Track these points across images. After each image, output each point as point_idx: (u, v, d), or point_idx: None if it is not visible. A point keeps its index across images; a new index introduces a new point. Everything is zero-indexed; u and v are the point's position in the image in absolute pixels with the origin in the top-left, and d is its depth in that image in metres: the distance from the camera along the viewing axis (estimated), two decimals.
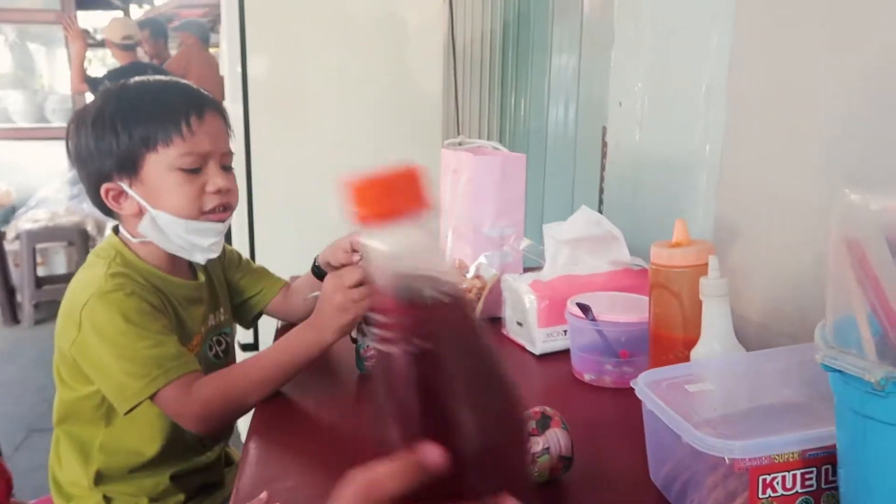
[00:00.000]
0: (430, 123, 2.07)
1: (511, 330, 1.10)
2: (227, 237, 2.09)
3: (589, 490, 0.69)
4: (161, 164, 0.95)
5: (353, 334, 0.97)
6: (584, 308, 0.92)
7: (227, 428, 1.10)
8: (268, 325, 1.30)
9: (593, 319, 0.91)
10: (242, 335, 2.05)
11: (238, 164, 1.99)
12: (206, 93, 1.01)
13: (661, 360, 0.82)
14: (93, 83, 3.69)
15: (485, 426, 0.38)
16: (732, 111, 0.97)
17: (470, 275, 1.15)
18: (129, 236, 1.00)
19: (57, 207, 3.85)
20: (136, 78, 1.01)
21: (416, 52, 2.08)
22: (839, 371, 0.46)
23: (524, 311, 1.05)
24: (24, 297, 3.69)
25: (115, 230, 1.03)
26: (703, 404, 0.64)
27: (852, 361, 0.45)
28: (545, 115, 2.00)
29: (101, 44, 4.40)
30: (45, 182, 3.99)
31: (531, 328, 1.04)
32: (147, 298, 0.94)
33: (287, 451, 0.80)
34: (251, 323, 1.24)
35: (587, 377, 0.94)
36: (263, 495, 0.67)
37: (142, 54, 4.06)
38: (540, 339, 1.03)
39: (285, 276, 1.34)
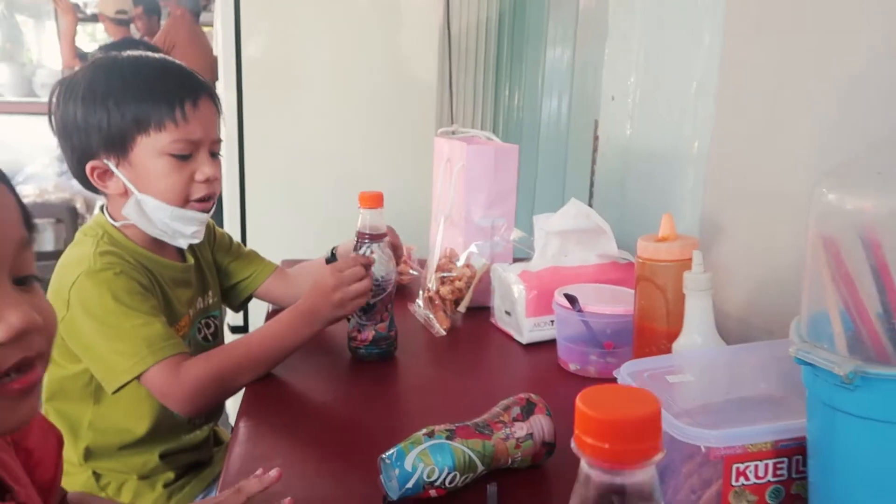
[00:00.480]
0: (424, 111, 2.07)
1: (499, 319, 1.12)
2: (219, 220, 2.10)
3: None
4: (152, 147, 0.94)
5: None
6: (571, 299, 0.94)
7: (216, 408, 1.11)
8: (258, 308, 1.32)
9: (580, 310, 0.93)
10: (232, 318, 2.05)
11: (231, 147, 2.00)
12: (200, 77, 1.01)
13: (644, 351, 0.84)
14: (85, 58, 3.66)
15: None
16: (721, 108, 0.99)
17: (460, 263, 1.16)
18: (111, 218, 1.00)
19: (45, 184, 3.82)
20: (130, 52, 1.00)
21: (411, 40, 2.08)
22: (811, 364, 0.48)
23: (513, 301, 1.06)
24: None
25: (103, 208, 1.03)
26: (682, 395, 0.66)
27: (823, 355, 0.47)
28: (539, 107, 2.01)
29: (91, 18, 4.35)
30: (34, 158, 3.96)
31: (519, 317, 1.06)
32: (136, 278, 0.94)
33: (276, 431, 0.81)
34: (240, 307, 1.24)
35: (572, 367, 0.97)
36: (259, 471, 0.69)
37: (134, 31, 4.03)
38: (527, 329, 1.05)
39: (277, 260, 1.35)
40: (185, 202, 0.98)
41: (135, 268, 0.96)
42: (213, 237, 1.18)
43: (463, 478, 0.65)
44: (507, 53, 2.30)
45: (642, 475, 0.32)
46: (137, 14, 3.96)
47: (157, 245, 1.02)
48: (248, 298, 1.23)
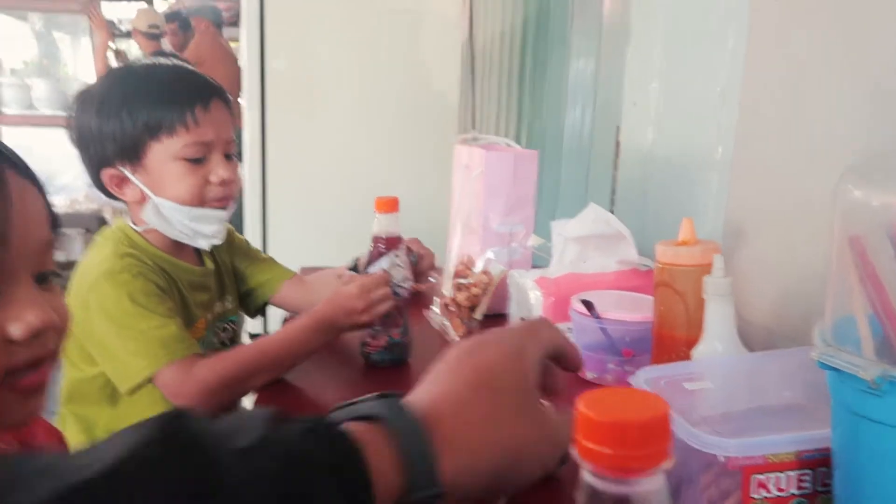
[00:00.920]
0: (445, 120, 2.07)
1: None
2: (240, 227, 2.12)
3: None
4: (165, 153, 0.95)
5: None
6: (589, 305, 0.92)
7: (228, 411, 1.11)
8: (277, 315, 1.31)
9: (597, 317, 0.91)
10: (252, 325, 2.06)
11: (253, 156, 2.02)
12: (212, 81, 1.02)
13: (663, 359, 0.82)
14: None
15: None
16: (745, 113, 0.97)
17: (477, 270, 1.15)
18: (132, 224, 1.01)
19: (76, 194, 3.90)
20: (143, 61, 1.01)
21: (434, 49, 2.09)
22: (835, 369, 0.46)
23: (529, 308, 1.04)
24: None
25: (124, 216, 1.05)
26: (701, 403, 0.64)
27: (848, 359, 0.44)
28: (562, 116, 1.99)
29: (126, 34, 4.45)
30: (65, 169, 4.04)
31: None
32: (154, 280, 0.95)
33: None
34: (256, 312, 1.24)
35: (590, 375, 0.94)
36: None
37: (166, 45, 4.10)
38: None
39: (296, 267, 1.35)
40: (201, 203, 0.98)
41: (153, 270, 0.97)
42: (232, 242, 1.18)
43: None
44: (531, 64, 2.28)
45: (649, 484, 0.29)
46: (171, 29, 4.04)
47: (177, 249, 1.03)
48: (265, 305, 1.22)
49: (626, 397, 0.30)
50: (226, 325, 1.14)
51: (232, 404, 1.03)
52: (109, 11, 4.59)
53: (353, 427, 0.39)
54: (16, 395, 0.53)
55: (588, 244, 1.08)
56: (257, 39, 1.94)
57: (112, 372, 0.93)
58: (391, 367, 0.98)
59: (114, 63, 3.89)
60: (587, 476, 0.29)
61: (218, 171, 0.98)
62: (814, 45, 0.83)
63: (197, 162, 0.97)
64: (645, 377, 0.66)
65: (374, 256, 0.98)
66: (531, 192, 1.22)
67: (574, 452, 0.29)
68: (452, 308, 1.11)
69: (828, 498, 0.55)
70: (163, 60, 1.03)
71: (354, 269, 1.16)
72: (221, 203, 1.00)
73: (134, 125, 0.95)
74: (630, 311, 0.92)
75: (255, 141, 1.98)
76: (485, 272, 1.14)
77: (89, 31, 4.29)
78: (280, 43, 1.98)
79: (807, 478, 0.55)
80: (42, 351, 0.53)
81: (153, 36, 3.90)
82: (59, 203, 3.85)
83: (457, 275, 1.15)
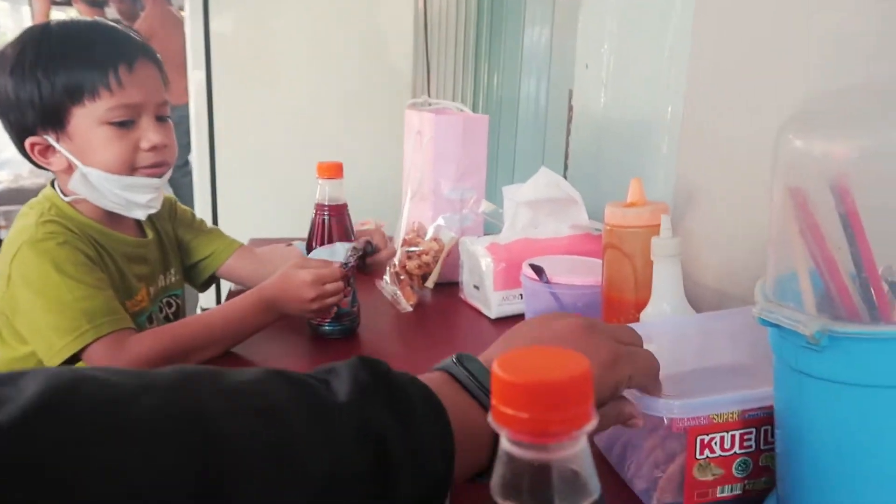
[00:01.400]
0: (399, 88, 2.03)
1: (468, 293, 1.08)
2: (189, 198, 2.05)
3: None
4: (89, 118, 0.90)
5: None
6: (539, 270, 0.90)
7: None
8: (228, 288, 1.27)
9: (547, 282, 0.89)
10: (204, 299, 2.01)
11: (200, 125, 1.94)
12: (136, 37, 0.96)
13: (612, 322, 0.81)
14: None
15: None
16: (693, 72, 0.95)
17: (428, 237, 1.12)
18: (61, 193, 0.96)
19: (20, 169, 3.75)
20: (59, 19, 0.95)
21: (387, 16, 2.03)
22: (776, 325, 0.44)
23: (481, 275, 1.02)
24: None
25: (53, 183, 0.99)
26: None
27: (788, 315, 0.43)
28: (518, 81, 1.96)
29: (67, 2, 4.25)
30: (8, 143, 3.88)
31: (487, 291, 1.02)
32: (81, 248, 0.90)
33: None
34: (203, 286, 1.20)
35: None
36: None
37: (113, 14, 3.93)
38: (496, 303, 1.01)
39: (248, 237, 1.31)
40: (132, 171, 0.93)
41: (80, 238, 0.91)
42: (175, 212, 1.14)
43: None
44: (486, 31, 2.24)
45: (571, 449, 0.27)
46: None
47: (112, 219, 0.98)
48: (212, 277, 1.18)
49: (545, 356, 0.27)
50: (170, 300, 1.09)
51: None
52: None
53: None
54: None
55: (540, 209, 1.06)
56: (200, 2, 1.86)
57: (38, 348, 0.88)
58: (341, 339, 0.96)
59: None
60: (504, 443, 0.27)
61: (149, 135, 0.92)
62: (760, 2, 0.82)
63: (124, 126, 0.91)
64: None
65: (318, 224, 0.95)
66: (482, 157, 1.19)
67: (490, 419, 0.27)
68: (403, 276, 1.09)
69: (770, 455, 0.54)
70: (84, 18, 0.96)
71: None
72: (155, 171, 0.95)
73: (53, 89, 0.89)
74: (583, 275, 0.90)
75: (202, 108, 1.91)
76: (435, 239, 1.12)
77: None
78: (225, 6, 1.90)
79: (750, 436, 0.54)
80: None
81: (95, 3, 3.73)
82: (3, 178, 3.70)
83: (406, 243, 1.12)
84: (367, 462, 0.39)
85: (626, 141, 1.14)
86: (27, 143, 0.92)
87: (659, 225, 0.78)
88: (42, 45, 0.90)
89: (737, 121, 0.86)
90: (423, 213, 1.20)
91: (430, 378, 0.47)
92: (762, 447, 0.55)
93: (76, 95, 0.89)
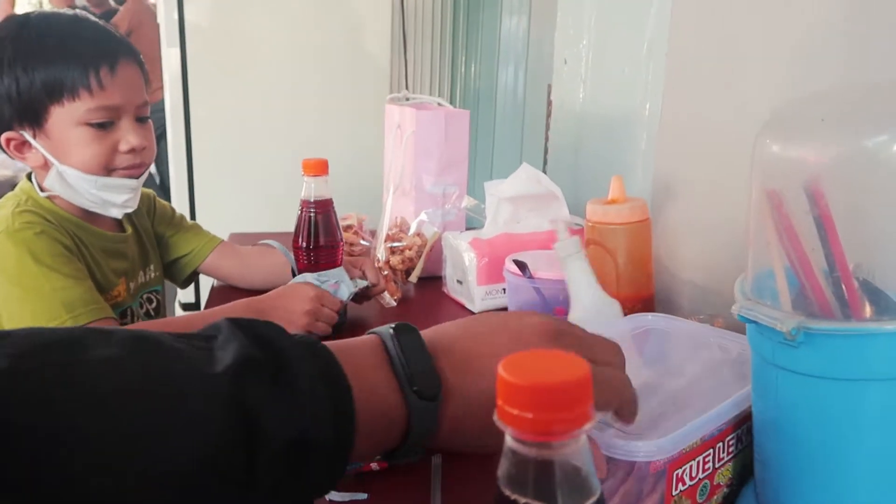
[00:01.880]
0: (377, 80, 2.03)
1: (451, 288, 1.10)
2: (166, 191, 2.03)
3: None
4: (67, 117, 0.89)
5: None
6: (522, 265, 0.92)
7: None
8: (208, 284, 1.27)
9: (530, 277, 0.91)
10: (184, 295, 2.00)
11: (176, 118, 1.92)
12: (119, 36, 0.95)
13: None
14: None
15: None
16: (672, 68, 0.97)
17: (411, 232, 1.13)
18: (38, 188, 0.95)
19: None
20: (41, 11, 0.93)
21: (364, 7, 2.03)
22: (755, 322, 0.47)
23: (464, 269, 1.04)
24: None
25: (30, 176, 0.98)
26: None
27: (766, 312, 0.45)
28: (495, 75, 1.97)
29: None
30: None
31: (470, 286, 1.03)
32: (59, 239, 0.89)
33: None
34: (185, 283, 1.19)
35: None
36: None
37: (82, 1, 3.85)
38: (479, 297, 1.03)
39: (226, 232, 1.30)
40: (109, 173, 0.93)
41: (57, 229, 0.91)
42: (154, 208, 1.13)
43: None
44: (463, 22, 2.25)
45: (572, 447, 0.29)
46: None
47: (90, 214, 0.97)
48: (193, 274, 1.18)
49: (548, 359, 0.29)
50: (150, 295, 1.09)
51: None
52: None
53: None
54: None
55: (521, 204, 1.08)
56: None
57: None
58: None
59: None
60: (509, 441, 0.28)
61: (128, 137, 0.92)
62: None
63: (103, 127, 0.90)
64: None
65: (304, 221, 0.95)
66: (464, 152, 1.20)
67: (496, 418, 0.28)
68: (387, 272, 1.10)
69: (723, 472, 0.54)
70: (65, 11, 0.95)
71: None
72: (132, 172, 0.94)
73: (31, 85, 0.87)
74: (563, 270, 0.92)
75: (178, 102, 1.89)
76: (418, 234, 1.13)
77: None
78: None
79: (709, 458, 0.52)
80: None
81: None
82: None
83: (390, 238, 1.13)
84: (237, 443, 0.36)
85: (605, 136, 1.16)
86: (3, 137, 0.91)
87: (638, 221, 0.80)
88: (21, 38, 0.88)
89: (714, 116, 0.89)
90: (405, 208, 1.21)
91: (357, 346, 0.43)
92: (716, 465, 0.53)
93: (55, 94, 0.88)
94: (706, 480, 0.53)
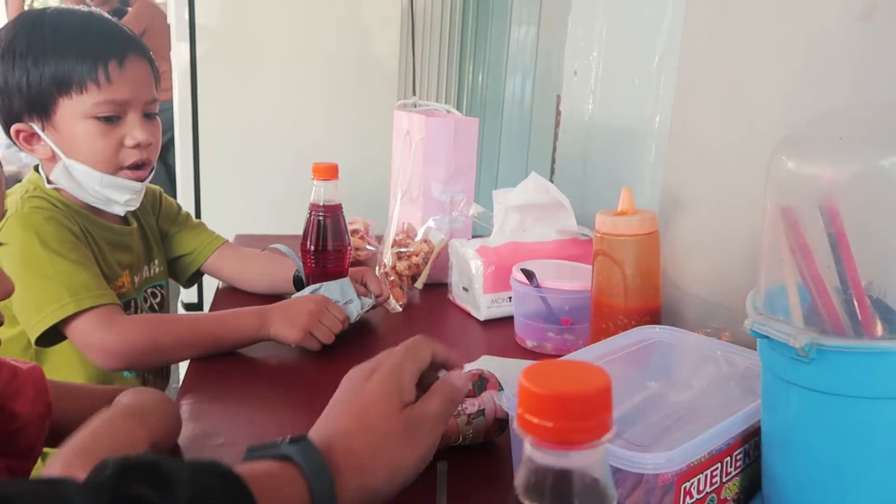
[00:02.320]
0: (385, 85, 2.03)
1: (457, 295, 1.10)
2: (172, 189, 2.04)
3: None
4: (75, 110, 0.90)
5: None
6: (529, 274, 0.92)
7: (160, 381, 1.07)
8: (212, 286, 1.27)
9: (537, 286, 0.91)
10: (186, 294, 2.00)
11: (184, 118, 1.93)
12: (129, 33, 0.96)
13: (601, 328, 0.83)
14: None
15: None
16: (682, 81, 0.97)
17: (418, 238, 1.14)
18: (46, 179, 0.96)
19: None
20: (55, 6, 0.95)
21: (374, 12, 2.03)
22: (767, 337, 0.47)
23: (470, 277, 1.04)
24: None
25: (37, 168, 0.99)
26: None
27: (779, 328, 0.46)
28: (503, 83, 1.98)
29: None
30: None
31: (476, 294, 1.03)
32: (67, 225, 0.90)
33: (220, 410, 0.78)
34: (189, 282, 1.19)
35: (529, 344, 0.95)
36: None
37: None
38: (485, 305, 1.03)
39: (231, 233, 1.30)
40: (116, 169, 0.93)
41: (66, 216, 0.92)
42: (160, 204, 1.13)
43: None
44: (472, 30, 2.26)
45: (590, 457, 0.29)
46: None
47: (94, 207, 0.98)
48: (197, 274, 1.18)
49: (567, 369, 0.29)
50: (154, 290, 1.09)
51: (149, 368, 1.00)
52: None
53: (267, 466, 0.46)
54: None
55: (529, 213, 1.08)
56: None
57: (22, 322, 0.87)
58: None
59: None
60: (528, 449, 0.29)
61: (134, 132, 0.92)
62: (751, 14, 0.84)
63: (110, 121, 0.91)
64: None
65: (312, 224, 0.95)
66: (472, 159, 1.21)
67: (516, 426, 0.29)
68: (393, 277, 1.10)
69: (730, 486, 0.54)
70: (79, 8, 0.96)
71: (298, 278, 1.03)
72: (137, 174, 0.95)
73: (41, 77, 0.88)
74: (569, 280, 0.93)
75: (186, 103, 1.90)
76: (425, 241, 1.13)
77: None
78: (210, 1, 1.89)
79: (717, 472, 0.53)
80: None
81: None
82: None
83: (397, 244, 1.13)
84: None
85: (613, 148, 1.16)
86: (13, 129, 0.93)
87: (647, 233, 0.80)
88: (35, 32, 0.90)
89: (724, 130, 0.89)
90: (412, 214, 1.21)
91: (267, 473, 0.45)
92: (724, 479, 0.53)
93: (64, 86, 0.89)
94: (713, 494, 0.53)
